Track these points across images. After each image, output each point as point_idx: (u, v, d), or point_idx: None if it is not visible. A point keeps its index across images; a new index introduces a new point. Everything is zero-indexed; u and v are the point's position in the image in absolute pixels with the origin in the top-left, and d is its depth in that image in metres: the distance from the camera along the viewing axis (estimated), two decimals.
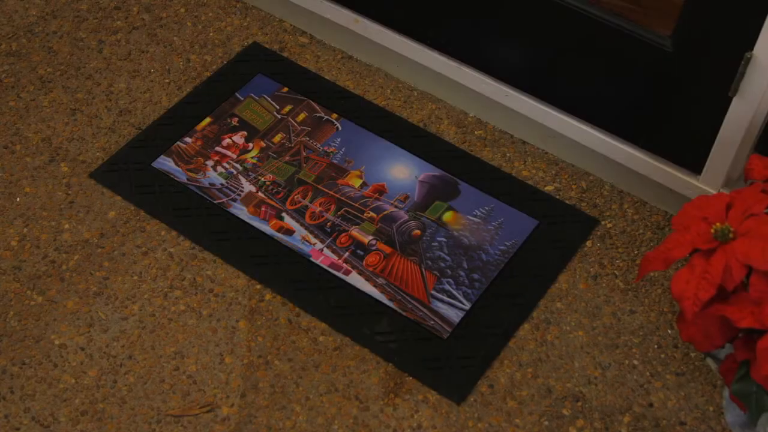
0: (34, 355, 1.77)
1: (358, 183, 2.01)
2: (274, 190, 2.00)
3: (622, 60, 1.83)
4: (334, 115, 2.13)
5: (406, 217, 1.96)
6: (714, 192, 1.83)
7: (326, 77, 2.20)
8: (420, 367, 1.76)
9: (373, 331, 1.80)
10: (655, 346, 1.79)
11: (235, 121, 2.12)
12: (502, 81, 2.00)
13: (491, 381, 1.75)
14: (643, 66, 1.81)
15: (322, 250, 1.91)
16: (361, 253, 1.90)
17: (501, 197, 1.99)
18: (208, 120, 2.12)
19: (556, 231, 1.94)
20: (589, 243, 1.93)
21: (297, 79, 2.20)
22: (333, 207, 1.97)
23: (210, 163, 2.04)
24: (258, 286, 1.86)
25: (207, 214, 1.96)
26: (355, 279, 1.87)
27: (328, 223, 1.95)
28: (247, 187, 2.00)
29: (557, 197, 2.00)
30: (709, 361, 1.71)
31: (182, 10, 2.33)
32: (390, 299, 1.84)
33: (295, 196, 1.99)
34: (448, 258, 1.89)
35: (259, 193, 1.99)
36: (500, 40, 1.97)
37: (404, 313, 1.82)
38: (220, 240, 1.92)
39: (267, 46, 2.27)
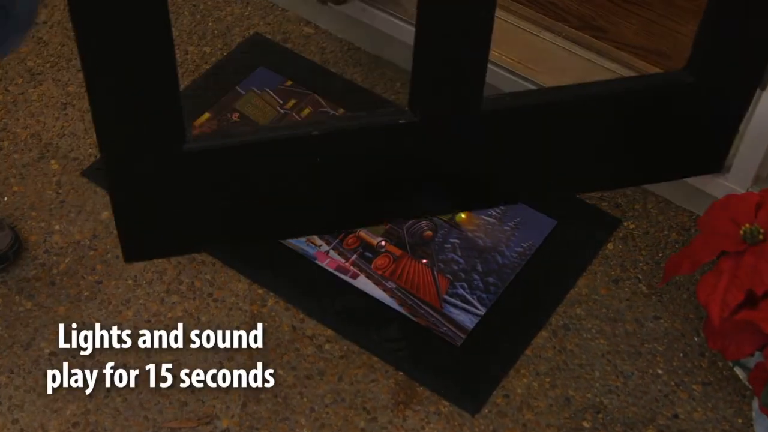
0: (22, 363, 1.77)
1: None
2: None
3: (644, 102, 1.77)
4: (341, 110, 2.13)
5: None
6: (742, 191, 1.83)
7: (332, 70, 2.21)
8: (432, 376, 1.76)
9: (382, 337, 1.80)
10: (681, 354, 1.79)
11: (235, 117, 2.12)
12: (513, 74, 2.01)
13: (507, 391, 1.75)
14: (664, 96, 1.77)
15: (328, 252, 1.91)
16: (370, 255, 1.90)
17: None
18: (207, 115, 2.12)
19: (576, 232, 1.94)
20: (610, 245, 1.93)
21: (301, 71, 2.20)
22: None
23: None
24: (260, 291, 1.87)
25: None
26: (363, 283, 1.87)
27: None
28: None
29: (577, 196, 1.99)
30: (738, 370, 1.70)
31: None
32: (400, 304, 1.84)
33: None
34: (461, 260, 1.90)
35: None
36: None
37: (415, 319, 1.82)
38: None
39: (269, 37, 2.27)
